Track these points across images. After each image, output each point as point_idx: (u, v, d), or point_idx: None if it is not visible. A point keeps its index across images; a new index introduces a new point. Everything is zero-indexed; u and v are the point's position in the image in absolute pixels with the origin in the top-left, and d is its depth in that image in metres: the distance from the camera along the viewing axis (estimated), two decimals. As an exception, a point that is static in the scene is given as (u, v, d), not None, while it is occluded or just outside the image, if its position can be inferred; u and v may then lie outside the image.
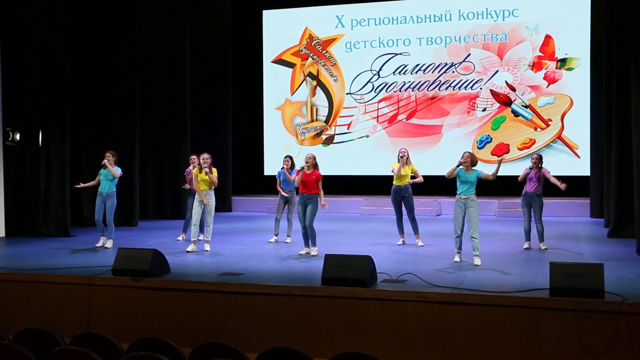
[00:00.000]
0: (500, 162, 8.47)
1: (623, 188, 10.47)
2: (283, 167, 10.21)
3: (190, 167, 10.29)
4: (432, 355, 6.28)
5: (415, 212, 10.04)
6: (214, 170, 9.49)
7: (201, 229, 9.78)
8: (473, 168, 8.34)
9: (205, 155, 9.48)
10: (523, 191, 9.41)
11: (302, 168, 9.08)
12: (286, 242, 10.21)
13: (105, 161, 9.65)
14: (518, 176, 9.53)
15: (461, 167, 8.32)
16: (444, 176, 8.58)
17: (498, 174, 8.48)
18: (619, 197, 10.60)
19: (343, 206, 15.46)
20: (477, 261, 8.11)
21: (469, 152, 8.43)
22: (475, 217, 8.21)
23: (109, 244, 9.73)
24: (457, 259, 8.29)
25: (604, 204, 12.35)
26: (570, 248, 9.50)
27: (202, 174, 9.40)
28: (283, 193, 10.27)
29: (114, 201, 9.80)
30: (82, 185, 10.19)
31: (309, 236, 9.02)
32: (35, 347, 4.65)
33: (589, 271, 6.09)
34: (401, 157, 9.85)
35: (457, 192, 8.37)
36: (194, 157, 10.31)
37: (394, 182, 9.95)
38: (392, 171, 9.91)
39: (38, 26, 11.23)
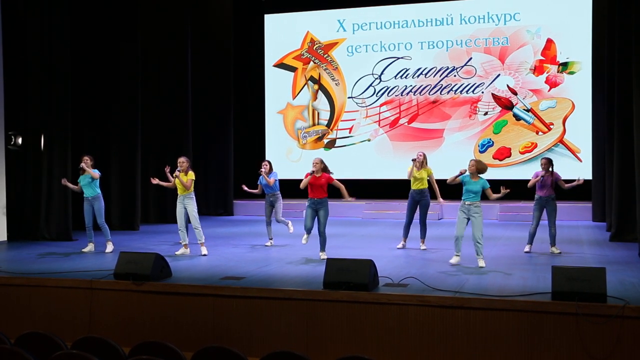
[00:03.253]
0: (504, 194, 8.30)
1: (625, 192, 10.46)
2: (261, 171, 10.28)
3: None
4: (434, 359, 6.27)
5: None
6: (190, 173, 9.40)
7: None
8: (480, 176, 8.30)
9: (182, 159, 9.44)
10: (537, 195, 9.34)
11: (312, 172, 8.99)
12: (290, 233, 10.40)
13: (82, 164, 9.65)
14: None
15: (467, 174, 8.31)
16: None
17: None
18: (621, 201, 10.59)
19: (345, 210, 15.44)
20: (482, 263, 8.12)
21: (475, 160, 8.37)
22: (479, 225, 8.19)
23: (110, 246, 9.74)
24: (453, 261, 8.29)
25: (606, 208, 12.34)
26: (573, 252, 9.49)
27: (180, 176, 9.37)
28: (247, 189, 10.59)
29: (101, 203, 9.81)
30: (67, 182, 10.06)
31: (319, 242, 8.99)
32: (37, 351, 4.65)
33: (591, 275, 6.08)
34: (413, 159, 9.70)
35: (462, 198, 8.35)
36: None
37: (411, 187, 9.84)
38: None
39: (41, 29, 11.25)
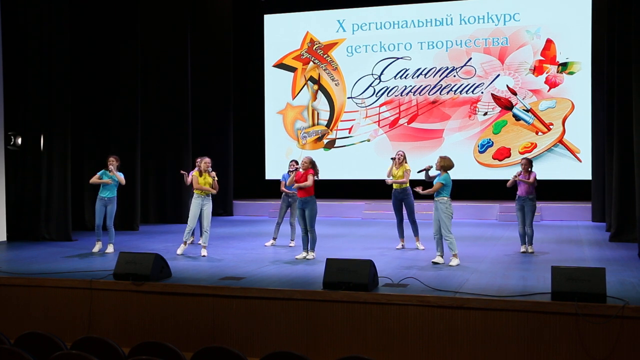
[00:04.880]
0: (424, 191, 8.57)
1: (624, 192, 10.47)
2: (290, 171, 10.27)
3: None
4: (434, 359, 6.27)
5: (417, 216, 10.05)
6: (212, 173, 9.53)
7: (201, 234, 9.80)
8: (448, 172, 8.49)
9: (208, 159, 9.53)
10: (517, 195, 9.45)
11: (297, 169, 9.18)
12: (289, 246, 10.21)
13: (111, 167, 9.63)
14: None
15: (434, 169, 8.60)
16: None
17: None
18: (620, 201, 10.59)
19: (344, 210, 15.46)
20: (454, 262, 8.24)
21: (441, 157, 8.60)
22: (444, 221, 8.38)
23: (110, 248, 9.73)
24: (435, 260, 8.44)
25: (606, 208, 12.34)
26: (572, 252, 9.48)
27: (204, 177, 9.40)
28: (285, 190, 10.29)
29: (114, 205, 9.82)
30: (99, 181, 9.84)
31: (308, 240, 9.04)
32: (37, 352, 4.65)
33: (591, 275, 6.08)
34: (392, 158, 9.97)
35: None
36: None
37: (393, 186, 9.97)
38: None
39: (41, 30, 11.24)
